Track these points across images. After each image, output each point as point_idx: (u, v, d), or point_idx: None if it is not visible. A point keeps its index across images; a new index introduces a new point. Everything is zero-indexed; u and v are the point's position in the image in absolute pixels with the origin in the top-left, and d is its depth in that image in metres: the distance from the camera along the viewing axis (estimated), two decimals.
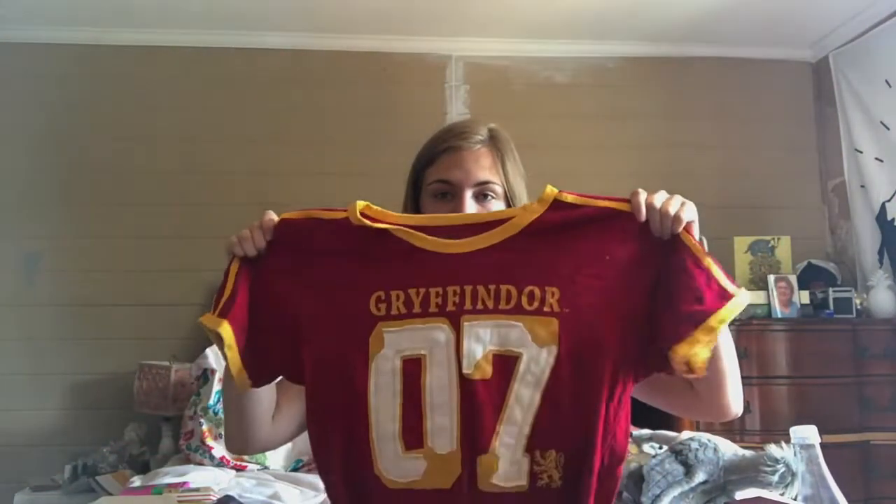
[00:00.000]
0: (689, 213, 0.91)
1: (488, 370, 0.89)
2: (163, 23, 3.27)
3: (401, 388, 0.90)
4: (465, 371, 0.89)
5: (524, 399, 0.89)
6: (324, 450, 0.94)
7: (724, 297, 0.87)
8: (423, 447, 0.89)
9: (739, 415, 1.04)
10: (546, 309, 0.89)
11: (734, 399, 1.02)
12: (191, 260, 3.21)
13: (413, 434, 0.89)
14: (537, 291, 0.90)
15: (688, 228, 0.91)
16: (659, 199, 0.92)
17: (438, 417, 0.89)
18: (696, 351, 0.85)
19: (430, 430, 0.89)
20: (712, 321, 0.86)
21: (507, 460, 0.88)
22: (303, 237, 0.97)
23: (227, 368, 0.94)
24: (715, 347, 0.89)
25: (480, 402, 0.88)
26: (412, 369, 0.90)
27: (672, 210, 0.90)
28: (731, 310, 0.87)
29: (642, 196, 0.92)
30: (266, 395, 1.06)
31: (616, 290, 0.90)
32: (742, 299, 0.87)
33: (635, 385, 0.92)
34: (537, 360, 0.89)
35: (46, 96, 3.32)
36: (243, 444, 1.10)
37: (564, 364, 0.88)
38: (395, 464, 0.90)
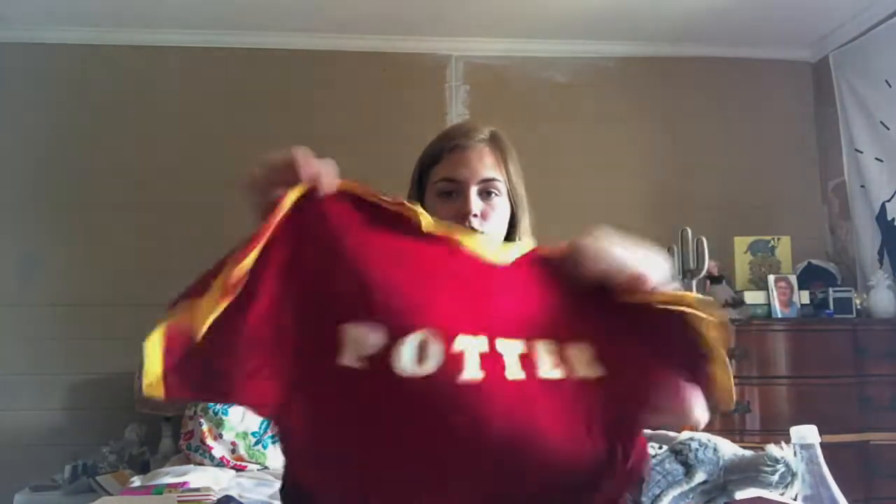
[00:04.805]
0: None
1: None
2: (164, 23, 3.27)
3: None
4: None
5: None
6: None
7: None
8: None
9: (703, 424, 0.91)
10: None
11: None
12: (191, 260, 3.18)
13: None
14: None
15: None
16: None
17: None
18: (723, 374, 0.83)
19: None
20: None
21: None
22: (359, 208, 0.88)
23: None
24: None
25: None
26: None
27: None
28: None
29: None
30: None
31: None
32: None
33: None
34: None
35: (48, 96, 3.32)
36: None
37: None
38: None
